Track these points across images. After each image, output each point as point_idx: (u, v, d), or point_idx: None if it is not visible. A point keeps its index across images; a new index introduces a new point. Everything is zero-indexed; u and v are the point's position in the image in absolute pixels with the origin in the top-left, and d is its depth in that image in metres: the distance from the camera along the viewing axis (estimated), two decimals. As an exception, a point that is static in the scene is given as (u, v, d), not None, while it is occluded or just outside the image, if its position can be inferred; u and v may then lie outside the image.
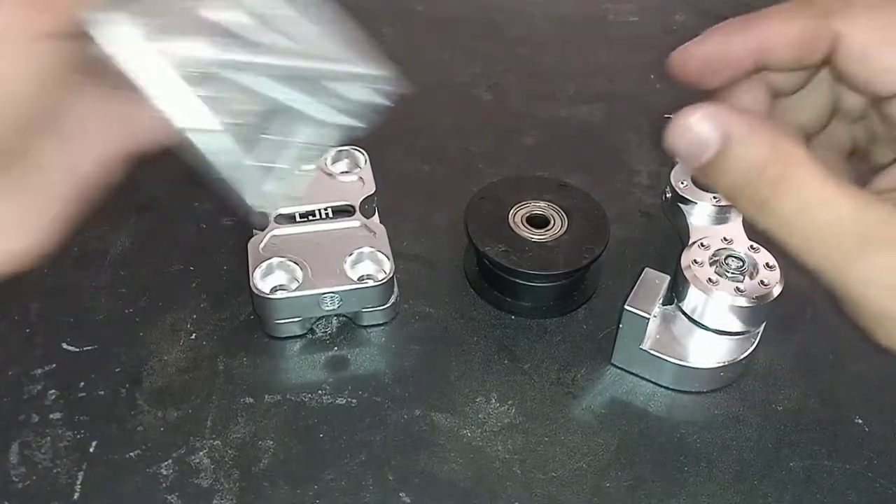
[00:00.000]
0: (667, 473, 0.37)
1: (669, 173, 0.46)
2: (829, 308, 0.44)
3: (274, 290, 0.40)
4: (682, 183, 0.46)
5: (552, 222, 0.43)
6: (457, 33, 0.65)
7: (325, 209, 0.44)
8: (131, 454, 0.36)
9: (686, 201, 0.45)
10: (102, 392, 0.39)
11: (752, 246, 0.40)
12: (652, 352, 0.39)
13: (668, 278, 0.39)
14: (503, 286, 0.43)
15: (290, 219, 0.43)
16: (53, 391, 0.38)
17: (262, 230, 0.42)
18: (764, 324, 0.40)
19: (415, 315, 0.43)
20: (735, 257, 0.39)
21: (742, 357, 0.39)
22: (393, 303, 0.42)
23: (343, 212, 0.44)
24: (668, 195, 0.47)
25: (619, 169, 0.53)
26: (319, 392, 0.39)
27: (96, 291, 0.43)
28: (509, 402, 0.39)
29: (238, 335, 0.41)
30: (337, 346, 0.41)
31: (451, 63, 0.62)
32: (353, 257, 0.41)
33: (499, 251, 0.41)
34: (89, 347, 0.40)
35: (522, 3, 0.69)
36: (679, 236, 0.46)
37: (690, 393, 0.40)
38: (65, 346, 0.40)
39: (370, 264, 0.41)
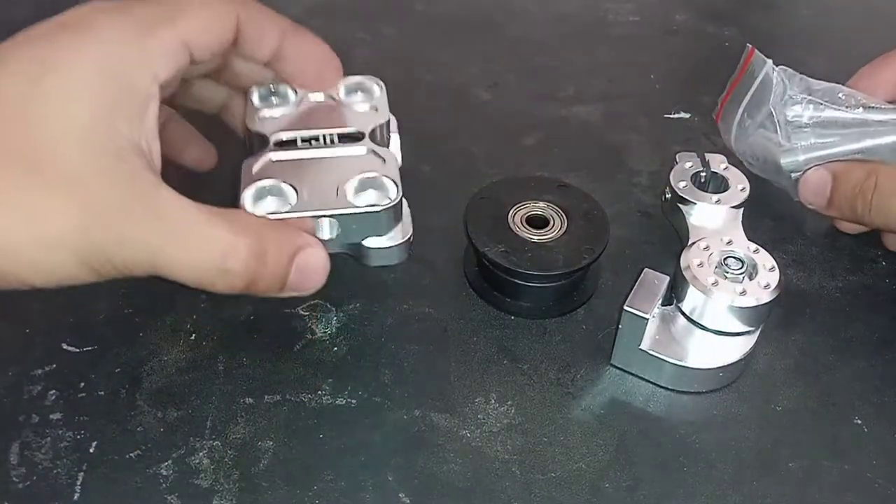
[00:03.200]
0: (666, 474, 0.37)
1: (669, 173, 0.46)
2: (829, 308, 0.44)
3: (266, 217, 0.35)
4: (682, 183, 0.46)
5: (552, 222, 0.43)
6: (457, 33, 0.65)
7: (331, 135, 0.39)
8: (131, 454, 0.36)
9: (686, 201, 0.45)
10: (102, 392, 0.39)
11: (751, 247, 0.40)
12: (651, 352, 0.39)
13: (667, 279, 0.39)
14: (503, 286, 0.43)
15: (291, 144, 0.39)
16: (53, 391, 0.39)
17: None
18: (763, 324, 0.40)
19: (414, 315, 0.43)
20: (735, 258, 0.39)
21: (741, 357, 0.39)
22: (404, 241, 0.38)
23: (352, 138, 0.39)
24: (668, 195, 0.47)
25: (619, 169, 0.53)
26: (319, 392, 0.39)
27: (96, 291, 0.43)
28: (508, 402, 0.39)
29: (238, 335, 0.41)
30: (337, 347, 0.41)
31: (451, 63, 0.62)
32: (355, 182, 0.37)
33: (498, 251, 0.41)
34: (89, 347, 0.40)
35: (522, 3, 0.69)
36: (679, 236, 0.46)
37: (690, 393, 0.40)
38: (65, 346, 0.40)
39: (374, 192, 0.37)
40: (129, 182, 0.29)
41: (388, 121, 0.41)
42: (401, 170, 0.48)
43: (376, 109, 0.41)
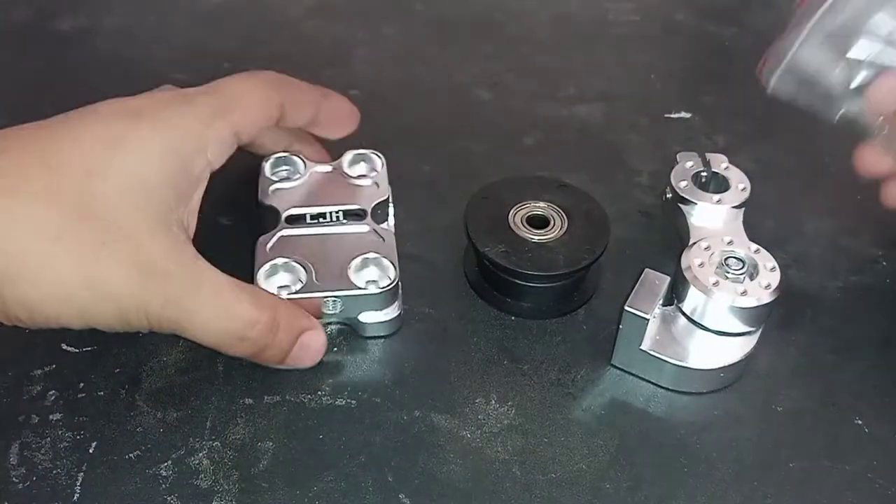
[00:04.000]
0: (667, 474, 0.37)
1: (669, 173, 0.46)
2: (829, 308, 0.44)
3: (278, 290, 0.39)
4: (683, 183, 0.46)
5: (552, 222, 0.43)
6: (457, 33, 0.65)
7: (337, 212, 0.43)
8: (131, 455, 0.36)
9: (686, 201, 0.45)
10: (102, 393, 0.39)
11: (752, 247, 0.40)
12: (652, 352, 0.39)
13: (668, 279, 0.39)
14: (503, 287, 0.43)
15: (300, 219, 0.43)
16: (53, 392, 0.38)
17: (272, 229, 0.42)
18: (764, 324, 0.40)
19: (414, 316, 0.43)
20: (736, 258, 0.39)
21: (742, 358, 0.39)
22: (396, 315, 0.41)
23: (355, 215, 0.43)
24: (668, 195, 0.47)
25: (619, 169, 0.53)
26: (319, 393, 0.39)
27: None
28: (509, 402, 0.39)
29: (238, 336, 0.41)
30: (337, 348, 0.41)
31: (451, 63, 0.62)
32: (358, 262, 0.40)
33: (499, 251, 0.41)
34: (89, 348, 0.40)
35: (522, 3, 0.69)
36: (679, 237, 0.46)
37: (690, 394, 0.40)
38: (65, 346, 0.40)
39: (375, 270, 0.41)
40: (176, 250, 0.33)
41: (388, 197, 0.45)
42: (401, 172, 0.48)
43: (377, 185, 0.45)
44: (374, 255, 0.41)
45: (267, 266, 0.40)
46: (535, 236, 0.42)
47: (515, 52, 0.64)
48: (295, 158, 0.45)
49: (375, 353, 0.41)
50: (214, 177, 0.45)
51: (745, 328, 0.39)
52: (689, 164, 0.46)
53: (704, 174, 0.46)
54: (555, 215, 0.43)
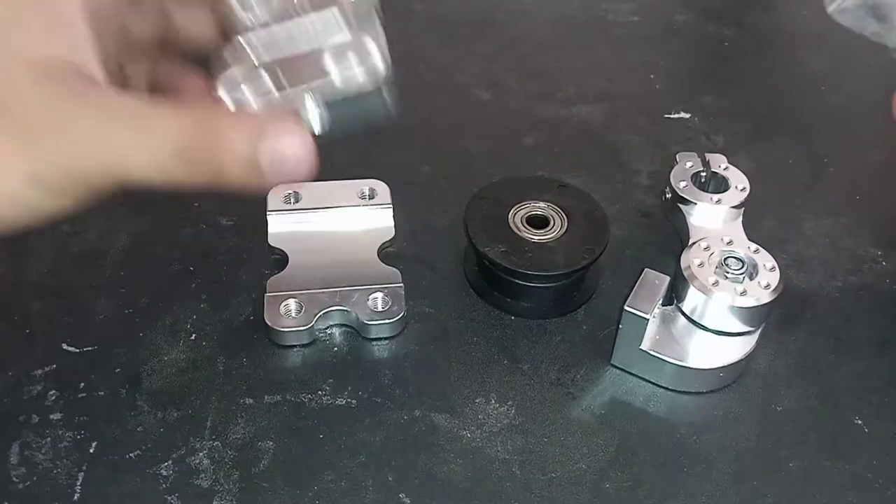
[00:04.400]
0: (666, 474, 0.37)
1: (669, 173, 0.46)
2: (829, 308, 0.44)
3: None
4: (682, 183, 0.46)
5: (552, 223, 0.43)
6: (457, 33, 0.65)
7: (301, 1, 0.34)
8: (131, 455, 0.36)
9: (686, 202, 0.45)
10: (102, 392, 0.39)
11: (752, 247, 0.40)
12: (651, 352, 0.39)
13: (667, 279, 0.39)
14: (503, 286, 0.43)
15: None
16: (53, 391, 0.38)
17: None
18: (763, 324, 0.40)
19: (414, 315, 0.43)
20: (735, 258, 0.39)
21: (742, 358, 0.39)
22: (401, 316, 0.41)
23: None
24: (668, 195, 0.47)
25: (619, 169, 0.53)
26: (319, 393, 0.39)
27: (96, 291, 0.43)
28: (509, 402, 0.39)
29: (238, 335, 0.41)
30: (337, 347, 0.41)
31: (451, 63, 0.62)
32: (332, 50, 0.32)
33: (498, 251, 0.41)
34: (89, 347, 0.40)
35: (522, 3, 0.69)
36: (679, 236, 0.46)
37: (690, 393, 0.40)
38: (65, 346, 0.40)
39: (354, 56, 0.32)
40: (67, 92, 0.28)
41: None
42: (401, 172, 0.48)
43: None
44: (351, 39, 0.32)
45: (226, 74, 0.32)
46: (535, 236, 0.42)
47: (515, 52, 0.64)
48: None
49: (375, 353, 0.41)
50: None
51: (745, 328, 0.39)
52: (689, 164, 0.46)
53: (704, 174, 0.46)
54: (555, 215, 0.43)
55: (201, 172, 0.29)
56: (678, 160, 0.47)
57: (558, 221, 0.43)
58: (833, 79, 0.62)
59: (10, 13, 0.29)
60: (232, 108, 0.32)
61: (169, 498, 0.35)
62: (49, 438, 0.37)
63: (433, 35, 0.65)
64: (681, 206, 0.45)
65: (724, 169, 0.46)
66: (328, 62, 0.32)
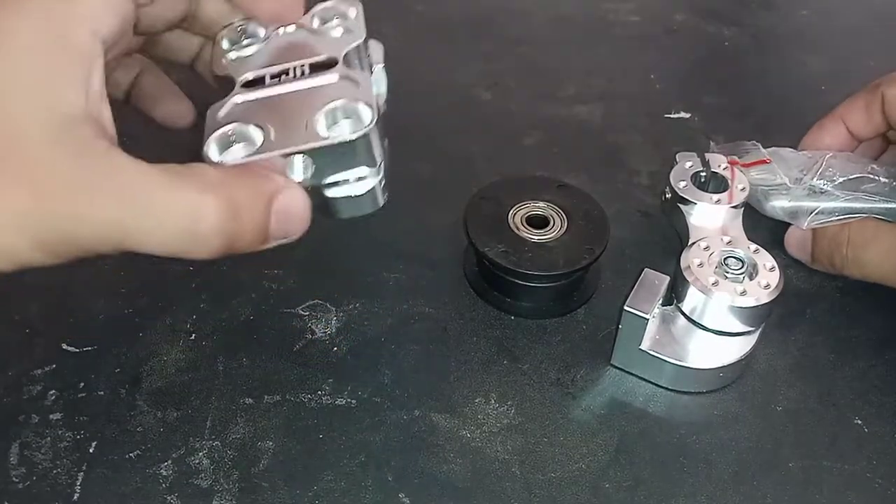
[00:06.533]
0: (666, 474, 0.37)
1: (669, 173, 0.46)
2: (829, 308, 0.44)
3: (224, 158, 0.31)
4: (682, 183, 0.46)
5: (552, 222, 0.43)
6: (457, 33, 0.65)
7: (301, 66, 0.35)
8: (131, 455, 0.36)
9: (686, 201, 0.45)
10: (102, 392, 0.39)
11: (751, 247, 0.40)
12: (651, 352, 0.39)
13: (667, 279, 0.39)
14: (503, 286, 0.43)
15: (259, 83, 0.34)
16: (53, 391, 0.39)
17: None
18: (763, 324, 0.40)
19: (414, 315, 0.43)
20: (735, 258, 0.39)
21: (741, 357, 0.39)
22: (370, 188, 0.33)
23: (323, 66, 0.35)
24: (668, 195, 0.47)
25: (619, 169, 0.53)
26: (319, 393, 0.39)
27: (96, 291, 0.43)
28: (508, 402, 0.39)
29: (238, 335, 0.41)
30: (336, 347, 0.41)
31: (451, 63, 0.62)
32: (324, 112, 0.32)
33: (498, 251, 0.41)
34: (89, 347, 0.40)
35: (522, 3, 0.69)
36: (679, 236, 0.46)
37: (690, 393, 0.40)
38: (65, 346, 0.40)
39: (347, 121, 0.32)
40: (80, 152, 0.27)
41: (367, 42, 0.36)
42: (401, 172, 0.48)
43: (350, 31, 0.36)
44: (343, 102, 0.32)
45: (216, 135, 0.31)
46: (535, 236, 0.42)
47: (515, 52, 0.64)
48: (252, 26, 0.37)
49: (375, 353, 0.41)
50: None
51: (745, 328, 0.39)
52: (689, 164, 0.46)
53: (704, 174, 0.46)
54: (554, 215, 0.43)
55: (215, 250, 0.29)
56: (678, 160, 0.47)
57: (558, 221, 0.43)
58: (833, 79, 0.62)
59: (29, 58, 0.27)
60: (217, 160, 0.31)
61: (168, 498, 0.35)
62: (49, 438, 0.37)
63: (433, 35, 0.65)
64: (681, 205, 0.45)
65: (724, 169, 0.46)
66: (320, 125, 0.32)
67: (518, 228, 0.43)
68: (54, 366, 0.40)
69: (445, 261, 0.46)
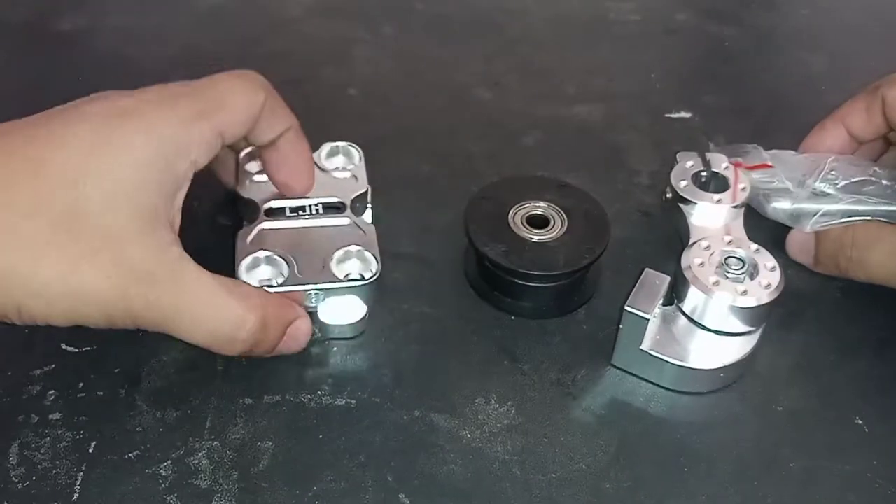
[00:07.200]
0: (667, 474, 0.37)
1: (669, 173, 0.46)
2: (829, 308, 0.44)
3: (260, 284, 0.40)
4: (683, 182, 0.45)
5: (552, 222, 0.43)
6: (457, 33, 0.65)
7: (316, 205, 0.44)
8: (130, 455, 0.36)
9: (686, 201, 0.45)
10: (101, 392, 0.39)
11: (752, 247, 0.40)
12: (652, 352, 0.39)
13: (668, 279, 0.39)
14: (503, 286, 0.43)
15: (279, 212, 0.43)
16: (53, 392, 0.38)
17: (252, 223, 0.42)
18: (764, 324, 0.40)
19: (414, 315, 0.43)
20: (736, 258, 0.39)
21: (742, 358, 0.39)
22: (361, 318, 0.41)
23: (333, 208, 0.44)
24: (668, 195, 0.47)
25: (619, 169, 0.53)
26: (319, 393, 0.39)
27: (96, 292, 0.43)
28: (509, 402, 0.39)
29: (237, 335, 0.41)
30: (336, 347, 0.41)
31: (451, 63, 0.62)
32: (340, 255, 0.41)
33: (499, 251, 0.41)
34: (89, 348, 0.40)
35: (522, 3, 0.69)
36: (679, 236, 0.46)
37: (691, 394, 0.40)
38: (64, 346, 0.40)
39: (357, 262, 0.41)
40: (161, 252, 0.33)
41: (367, 190, 0.45)
42: (400, 172, 0.48)
43: (356, 178, 0.45)
44: (356, 248, 0.41)
45: (248, 259, 0.40)
46: (535, 236, 0.42)
47: (515, 52, 0.64)
48: None
49: (375, 353, 0.41)
50: (214, 178, 0.45)
51: (746, 328, 0.39)
52: (690, 163, 0.46)
53: (704, 174, 0.46)
54: (555, 215, 0.43)
55: (237, 352, 0.36)
56: (679, 160, 0.47)
57: (558, 221, 0.43)
58: (833, 79, 0.62)
59: (140, 169, 0.33)
60: (250, 282, 0.39)
61: (168, 498, 0.35)
62: (48, 438, 0.37)
63: (433, 35, 0.65)
64: (681, 205, 0.45)
65: (725, 168, 0.46)
66: (335, 267, 0.41)
67: (518, 228, 0.42)
68: (54, 366, 0.40)
69: (445, 261, 0.46)
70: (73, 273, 0.31)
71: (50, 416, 0.38)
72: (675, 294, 0.40)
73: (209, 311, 0.34)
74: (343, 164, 0.46)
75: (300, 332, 0.39)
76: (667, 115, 0.58)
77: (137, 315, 0.33)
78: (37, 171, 0.32)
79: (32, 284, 0.31)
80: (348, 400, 0.39)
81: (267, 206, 0.43)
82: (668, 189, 0.47)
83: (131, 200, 0.33)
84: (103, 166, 0.32)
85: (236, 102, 0.37)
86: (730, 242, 0.40)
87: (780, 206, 0.45)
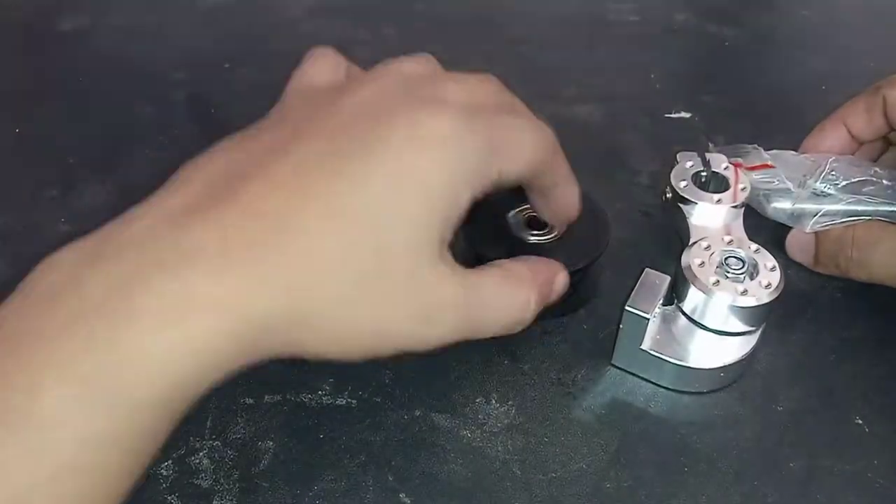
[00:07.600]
0: (667, 474, 0.37)
1: (669, 173, 0.46)
2: (829, 308, 0.44)
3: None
4: (683, 183, 0.45)
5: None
6: (457, 33, 0.65)
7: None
8: (131, 455, 0.36)
9: (686, 201, 0.45)
10: (102, 392, 0.39)
11: (752, 247, 0.40)
12: (652, 352, 0.39)
13: (668, 279, 0.39)
14: (503, 286, 0.43)
15: None
16: (53, 391, 0.38)
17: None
18: (764, 324, 0.40)
19: (415, 315, 0.43)
20: (736, 258, 0.39)
21: (742, 357, 0.39)
22: None
23: None
24: (668, 195, 0.47)
25: (619, 169, 0.53)
26: (319, 392, 0.39)
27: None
28: (509, 402, 0.39)
29: (238, 335, 0.41)
30: (337, 347, 0.41)
31: (451, 63, 0.62)
32: None
33: (499, 252, 0.41)
34: (89, 348, 0.40)
35: (522, 3, 0.69)
36: (679, 236, 0.46)
37: (691, 393, 0.40)
38: (64, 346, 0.40)
39: None
40: (452, 272, 0.33)
41: None
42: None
43: None
44: None
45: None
46: (535, 237, 0.42)
47: (515, 52, 0.64)
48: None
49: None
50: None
51: (746, 328, 0.39)
52: (690, 163, 0.46)
53: (704, 174, 0.46)
54: (555, 215, 0.43)
55: (525, 326, 0.36)
56: (679, 160, 0.47)
57: (558, 221, 0.43)
58: (833, 79, 0.62)
59: (433, 200, 0.33)
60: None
61: (169, 498, 0.35)
62: (49, 438, 0.37)
63: (433, 35, 0.65)
64: (681, 205, 0.45)
65: (725, 168, 0.46)
66: None
67: (518, 229, 0.42)
68: (54, 366, 0.39)
69: (446, 261, 0.46)
70: (379, 314, 0.31)
71: (50, 416, 0.37)
72: (675, 294, 0.40)
73: (502, 306, 0.35)
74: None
75: (559, 285, 0.38)
76: (666, 116, 0.58)
77: (463, 328, 0.34)
78: (345, 213, 0.31)
79: (339, 325, 0.31)
80: (349, 400, 0.39)
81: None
82: (668, 189, 0.47)
83: (428, 237, 0.32)
84: (404, 206, 0.32)
85: (526, 149, 0.37)
86: (730, 242, 0.40)
87: (780, 207, 0.45)
